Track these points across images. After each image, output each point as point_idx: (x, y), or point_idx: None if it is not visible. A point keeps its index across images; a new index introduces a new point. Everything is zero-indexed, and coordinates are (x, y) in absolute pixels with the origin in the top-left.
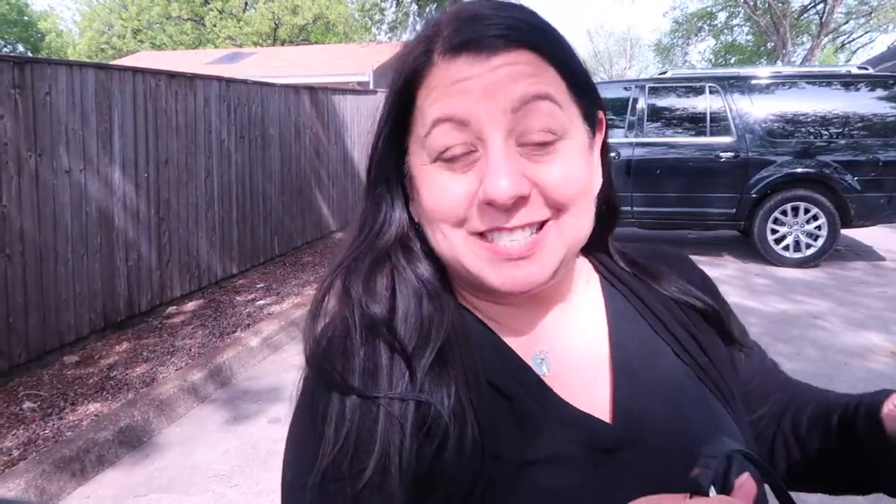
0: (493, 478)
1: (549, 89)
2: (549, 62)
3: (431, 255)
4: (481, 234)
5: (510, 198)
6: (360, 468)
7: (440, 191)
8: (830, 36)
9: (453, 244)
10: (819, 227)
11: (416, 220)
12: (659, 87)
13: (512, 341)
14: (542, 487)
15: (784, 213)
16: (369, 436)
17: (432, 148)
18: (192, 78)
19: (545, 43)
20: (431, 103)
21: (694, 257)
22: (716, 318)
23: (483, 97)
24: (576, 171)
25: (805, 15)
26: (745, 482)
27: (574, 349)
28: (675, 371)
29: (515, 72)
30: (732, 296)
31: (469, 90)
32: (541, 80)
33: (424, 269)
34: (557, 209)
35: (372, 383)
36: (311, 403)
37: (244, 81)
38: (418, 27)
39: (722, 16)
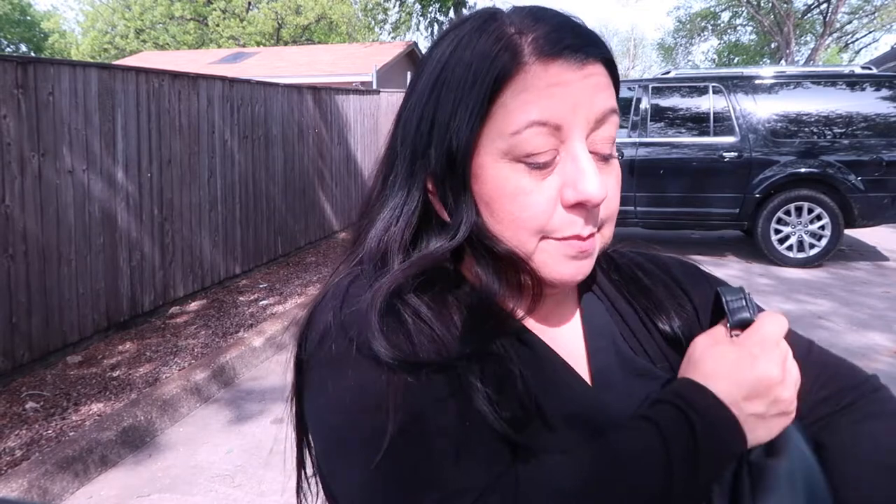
0: (527, 397)
1: (616, 104)
2: (612, 78)
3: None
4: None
5: (603, 198)
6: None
7: (525, 197)
8: (834, 36)
9: (528, 247)
10: (822, 227)
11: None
12: (662, 86)
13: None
14: (559, 406)
15: (787, 213)
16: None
17: (521, 149)
18: (195, 78)
19: (612, 59)
20: (525, 103)
21: (697, 257)
22: (676, 344)
23: (575, 105)
24: (619, 185)
25: (809, 15)
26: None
27: (556, 343)
28: (644, 372)
29: (600, 83)
30: None
31: (563, 95)
32: (612, 95)
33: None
34: (603, 222)
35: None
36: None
37: (247, 81)
38: (421, 27)
39: (725, 15)
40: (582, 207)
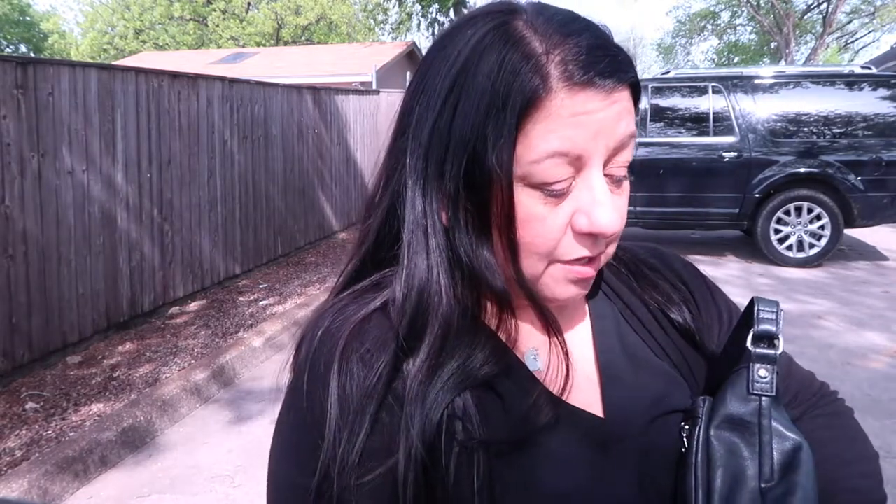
0: (488, 476)
1: (635, 127)
2: (634, 100)
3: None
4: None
5: (617, 230)
6: (370, 475)
7: (539, 223)
8: (834, 35)
9: (536, 271)
10: (822, 227)
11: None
12: (662, 86)
13: (507, 338)
14: (534, 483)
15: (787, 212)
16: (381, 444)
17: (538, 177)
18: (194, 78)
19: (637, 81)
20: (547, 132)
21: (697, 257)
22: (688, 335)
23: (598, 133)
24: (626, 205)
25: (808, 14)
26: None
27: (563, 348)
28: (652, 367)
29: (623, 109)
30: (735, 296)
31: (586, 124)
32: (633, 119)
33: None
34: (609, 242)
35: (389, 390)
36: (310, 404)
37: (247, 82)
38: (422, 27)
39: (725, 15)
40: (593, 235)
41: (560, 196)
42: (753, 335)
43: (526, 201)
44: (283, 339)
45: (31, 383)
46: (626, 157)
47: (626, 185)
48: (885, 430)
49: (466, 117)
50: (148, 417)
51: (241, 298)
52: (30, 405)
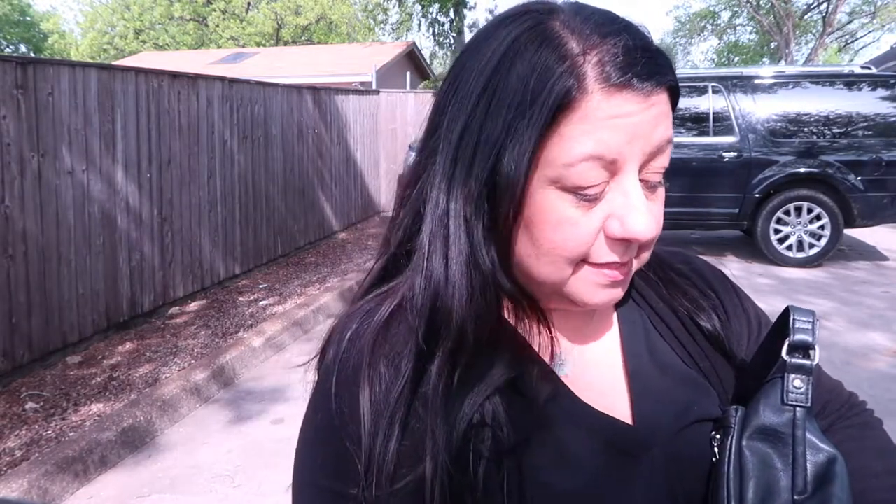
0: (518, 480)
1: (672, 132)
2: (672, 103)
3: None
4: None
5: (652, 236)
6: (402, 482)
7: (570, 227)
8: (834, 35)
9: (564, 274)
10: (822, 227)
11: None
12: None
13: (534, 342)
14: (558, 489)
15: (787, 212)
16: (411, 450)
17: (571, 181)
18: (194, 78)
19: (677, 85)
20: (582, 134)
21: None
22: (717, 342)
23: (634, 137)
24: (662, 211)
25: (808, 14)
26: None
27: (591, 354)
28: (681, 375)
29: (661, 113)
30: None
31: (622, 127)
32: (671, 124)
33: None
34: (643, 248)
35: (415, 398)
36: (337, 406)
37: (247, 82)
38: (422, 28)
39: (725, 15)
40: (625, 241)
41: (593, 200)
42: (789, 345)
43: (559, 205)
44: (283, 339)
45: (31, 383)
46: (662, 162)
47: (662, 191)
48: (886, 431)
49: (497, 117)
50: (148, 417)
51: (241, 298)
52: (30, 405)
